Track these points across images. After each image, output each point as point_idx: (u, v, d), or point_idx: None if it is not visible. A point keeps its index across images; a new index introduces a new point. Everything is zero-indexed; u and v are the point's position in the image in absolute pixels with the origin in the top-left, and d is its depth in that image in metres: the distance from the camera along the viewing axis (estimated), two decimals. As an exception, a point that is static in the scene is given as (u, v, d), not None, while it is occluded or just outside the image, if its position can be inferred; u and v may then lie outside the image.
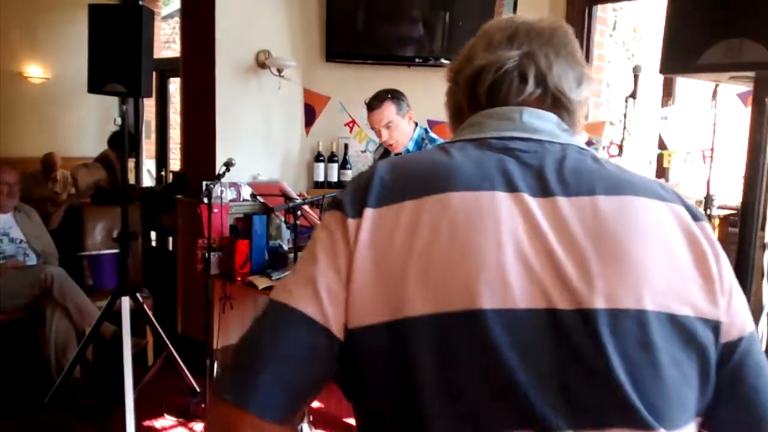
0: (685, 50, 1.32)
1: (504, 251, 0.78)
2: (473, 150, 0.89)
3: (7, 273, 3.91)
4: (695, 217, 0.87)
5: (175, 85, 6.96)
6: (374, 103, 2.96)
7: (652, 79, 4.04)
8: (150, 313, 3.74)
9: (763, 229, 1.41)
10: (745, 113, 1.41)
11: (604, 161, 0.91)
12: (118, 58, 3.18)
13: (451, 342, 0.76)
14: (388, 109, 2.93)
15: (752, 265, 1.36)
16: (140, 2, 3.33)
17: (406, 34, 4.33)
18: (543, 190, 0.84)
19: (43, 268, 3.93)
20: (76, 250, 4.41)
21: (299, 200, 2.58)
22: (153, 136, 7.23)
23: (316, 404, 3.70)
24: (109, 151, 5.46)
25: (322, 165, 4.39)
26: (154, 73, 3.64)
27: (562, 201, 0.83)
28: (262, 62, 4.13)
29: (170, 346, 3.65)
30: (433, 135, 3.05)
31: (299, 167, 4.43)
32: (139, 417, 3.26)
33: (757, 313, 1.39)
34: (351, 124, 4.21)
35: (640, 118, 3.66)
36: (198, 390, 3.64)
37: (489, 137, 0.90)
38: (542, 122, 0.92)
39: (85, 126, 7.22)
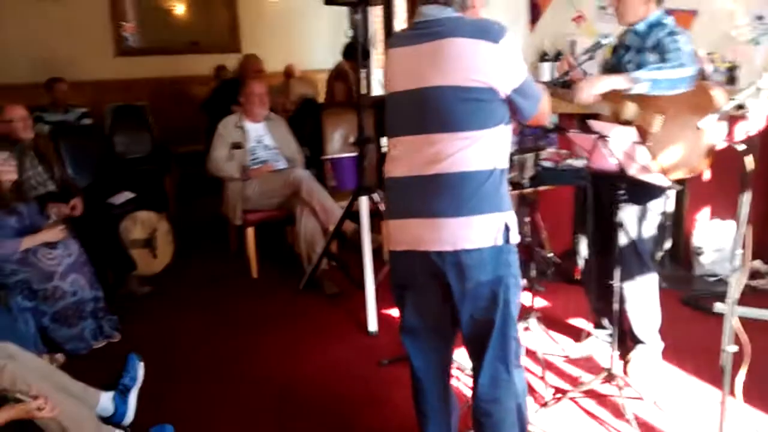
0: None
1: (402, 64, 1.96)
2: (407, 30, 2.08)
3: (262, 176, 4.41)
4: (493, 41, 1.81)
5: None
6: None
7: None
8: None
9: None
10: None
11: (453, 21, 1.88)
12: (349, -29, 3.32)
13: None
14: None
15: None
16: None
17: None
18: (418, 41, 1.91)
19: (292, 171, 4.37)
20: (318, 155, 4.82)
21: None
22: (380, 45, 7.47)
23: (543, 303, 3.78)
24: (344, 62, 5.78)
25: (547, 65, 4.27)
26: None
27: (423, 45, 1.89)
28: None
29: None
30: (666, 21, 2.76)
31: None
32: (379, 306, 3.58)
33: None
34: (579, 19, 4.01)
35: None
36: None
37: (413, 22, 1.98)
38: (431, 11, 1.92)
39: (319, 40, 7.67)
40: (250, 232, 4.38)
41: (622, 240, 2.86)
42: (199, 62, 6.94)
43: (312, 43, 7.67)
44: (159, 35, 7.16)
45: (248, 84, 4.60)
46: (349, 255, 4.15)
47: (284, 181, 4.31)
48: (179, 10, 7.27)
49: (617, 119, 2.73)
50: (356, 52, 3.73)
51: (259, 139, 4.55)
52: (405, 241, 1.99)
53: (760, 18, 3.61)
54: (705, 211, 4.19)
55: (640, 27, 2.80)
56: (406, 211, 1.97)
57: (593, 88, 2.66)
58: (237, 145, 4.44)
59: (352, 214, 3.84)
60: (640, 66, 2.72)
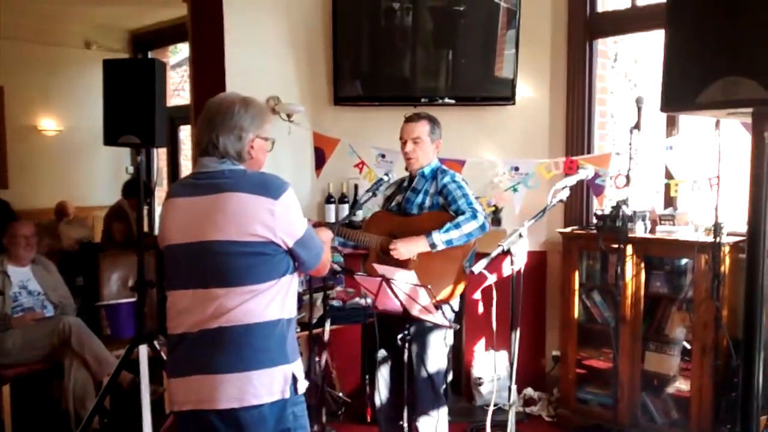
0: (684, 89, 1.37)
1: (181, 217, 1.92)
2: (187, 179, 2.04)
3: (25, 325, 3.96)
4: (273, 197, 1.85)
5: (185, 132, 7.07)
6: (413, 116, 3.15)
7: (656, 109, 4.09)
8: (167, 360, 3.75)
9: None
10: (750, 140, 1.45)
11: (235, 174, 1.91)
12: (132, 110, 3.25)
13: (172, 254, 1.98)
14: (422, 126, 3.09)
15: (762, 291, 1.40)
16: (150, 55, 3.41)
17: (411, 75, 4.41)
18: (198, 193, 1.91)
19: (61, 319, 3.97)
20: (93, 300, 4.45)
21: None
22: (165, 183, 7.32)
23: None
24: (123, 201, 5.55)
25: (332, 206, 4.44)
26: (165, 123, 3.71)
27: (203, 197, 1.89)
28: (271, 108, 4.21)
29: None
30: (444, 167, 3.21)
31: (310, 209, 4.48)
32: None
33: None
34: (360, 166, 4.27)
35: (646, 148, 3.70)
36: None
37: (193, 172, 2.02)
38: (210, 163, 1.93)
39: (97, 176, 7.34)
40: (6, 390, 3.84)
41: (418, 374, 2.97)
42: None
43: (90, 180, 7.30)
44: None
45: (13, 225, 4.21)
46: (126, 409, 3.78)
47: (52, 330, 3.90)
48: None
49: (383, 248, 3.05)
50: (137, 190, 3.59)
51: (24, 284, 4.13)
52: (188, 400, 1.86)
53: (516, 169, 4.09)
54: (481, 343, 4.47)
55: (426, 171, 3.15)
56: (189, 368, 1.86)
57: (408, 252, 2.97)
58: (-4, 292, 3.97)
59: (129, 363, 3.54)
60: (432, 207, 3.07)
